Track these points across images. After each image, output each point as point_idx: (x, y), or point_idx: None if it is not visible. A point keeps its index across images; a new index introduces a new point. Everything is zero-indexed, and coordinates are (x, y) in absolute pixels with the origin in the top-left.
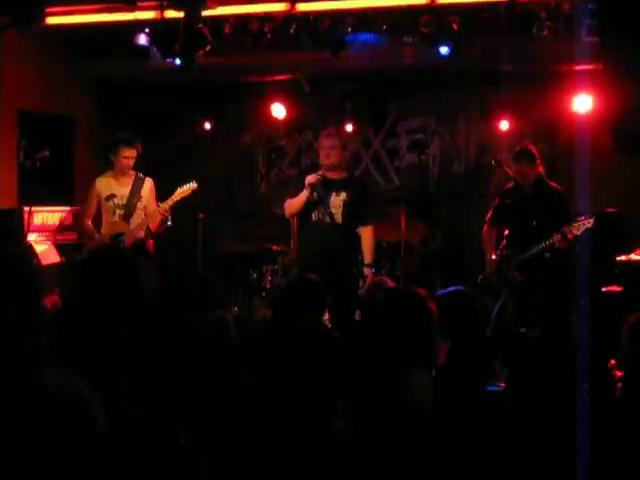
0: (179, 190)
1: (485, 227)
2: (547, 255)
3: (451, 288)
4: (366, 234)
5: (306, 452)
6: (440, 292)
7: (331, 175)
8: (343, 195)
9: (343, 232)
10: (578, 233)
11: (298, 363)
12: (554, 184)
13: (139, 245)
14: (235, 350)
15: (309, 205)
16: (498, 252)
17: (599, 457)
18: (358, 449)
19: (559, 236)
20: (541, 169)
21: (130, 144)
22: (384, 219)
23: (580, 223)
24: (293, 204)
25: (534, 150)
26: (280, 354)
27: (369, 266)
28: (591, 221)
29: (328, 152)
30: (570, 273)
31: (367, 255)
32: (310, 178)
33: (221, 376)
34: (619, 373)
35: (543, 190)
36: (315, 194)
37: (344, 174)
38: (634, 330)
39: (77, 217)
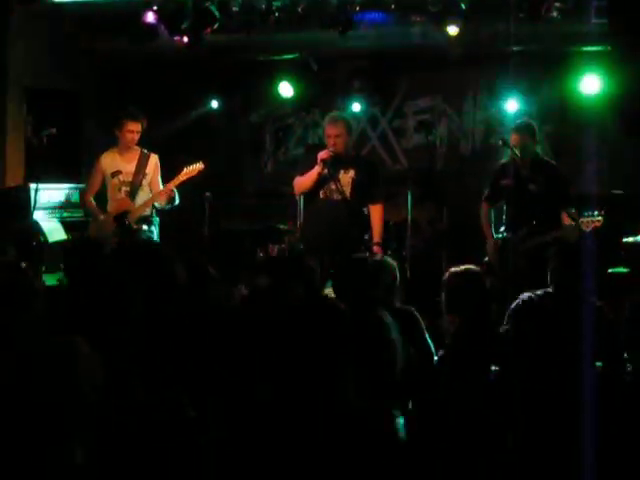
0: (185, 170)
1: (483, 205)
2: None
3: (463, 267)
4: (375, 212)
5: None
6: (452, 270)
7: (340, 154)
8: (352, 172)
9: (352, 209)
10: (587, 230)
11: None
12: (552, 162)
13: (144, 222)
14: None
15: (319, 182)
16: (500, 234)
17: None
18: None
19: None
20: (539, 149)
21: (135, 118)
22: (391, 199)
23: (589, 220)
24: (304, 181)
25: (534, 126)
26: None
27: (378, 244)
28: (600, 220)
29: (334, 141)
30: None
31: (376, 233)
32: (322, 154)
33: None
34: None
35: (542, 169)
36: (326, 170)
37: (353, 153)
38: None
39: (82, 194)
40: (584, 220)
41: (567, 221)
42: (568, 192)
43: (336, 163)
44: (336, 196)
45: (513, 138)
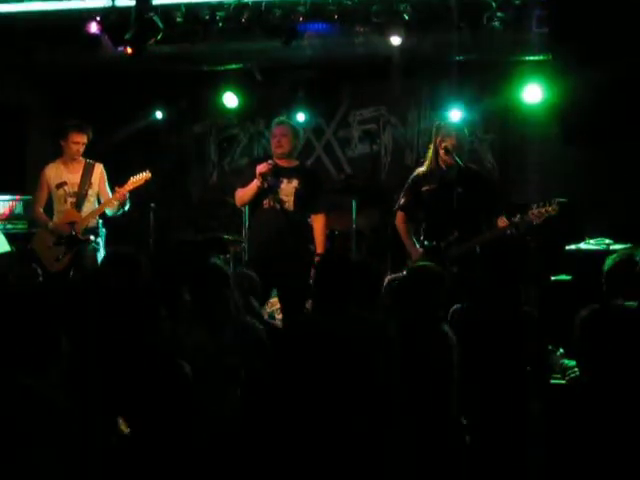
0: (132, 179)
1: (400, 216)
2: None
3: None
4: (317, 223)
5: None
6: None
7: (283, 163)
8: (295, 182)
9: (294, 219)
10: (539, 221)
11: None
12: (475, 167)
13: (91, 233)
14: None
15: (261, 193)
16: (423, 243)
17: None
18: None
19: (511, 225)
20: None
21: (79, 129)
22: (336, 208)
23: (540, 211)
24: (245, 193)
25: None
26: None
27: (319, 255)
28: (555, 208)
29: (279, 139)
30: (518, 263)
31: (318, 244)
32: (261, 167)
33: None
34: (567, 361)
35: (467, 173)
36: (266, 183)
37: (296, 163)
38: (586, 323)
39: (28, 206)
40: (534, 212)
41: (502, 223)
42: (497, 199)
43: (279, 172)
44: (278, 206)
45: (449, 139)
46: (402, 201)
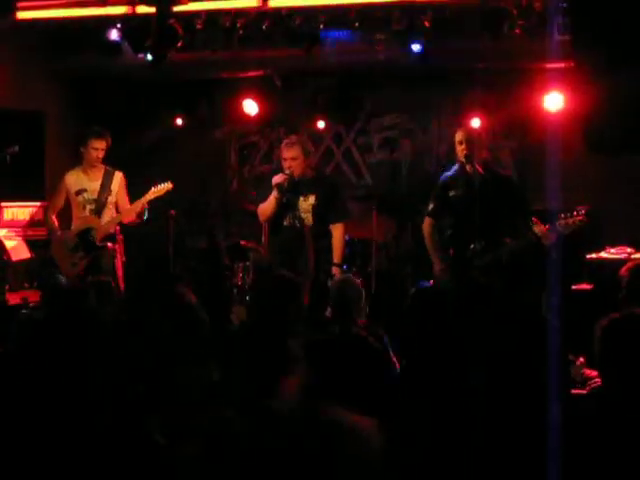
0: (153, 189)
1: (428, 222)
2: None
3: (424, 285)
4: (337, 232)
5: None
6: (419, 286)
7: (298, 177)
8: (311, 199)
9: (314, 235)
10: (567, 232)
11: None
12: (504, 173)
13: (109, 239)
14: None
15: (281, 209)
16: (448, 252)
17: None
18: None
19: (546, 232)
20: (488, 155)
21: (99, 136)
22: (355, 216)
23: (570, 220)
24: (265, 208)
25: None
26: None
27: (338, 265)
28: (585, 219)
29: (290, 164)
30: (536, 272)
31: (337, 254)
32: (277, 178)
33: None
34: (588, 371)
35: (494, 177)
36: (284, 198)
37: (312, 173)
38: (606, 333)
39: (45, 211)
40: (562, 222)
41: (537, 229)
42: (527, 203)
43: (295, 189)
44: (298, 223)
45: (462, 147)
46: (430, 207)
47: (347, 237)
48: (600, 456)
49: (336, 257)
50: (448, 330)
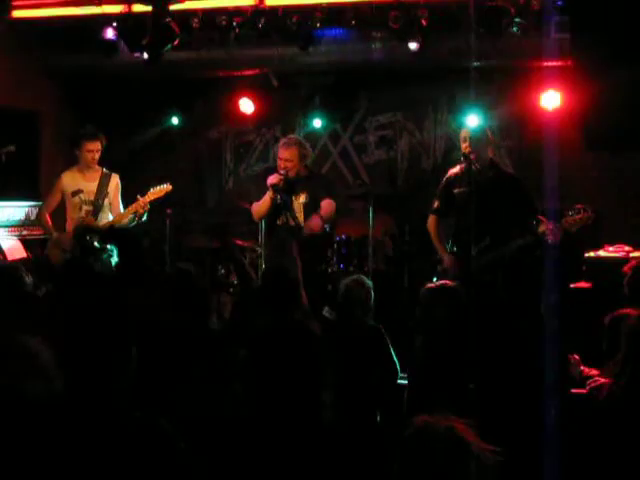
0: (152, 190)
1: (432, 219)
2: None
3: (437, 282)
4: (325, 203)
5: (297, 442)
6: (427, 286)
7: (292, 174)
8: (302, 198)
9: (307, 233)
10: (573, 230)
11: (287, 359)
12: (510, 171)
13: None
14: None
15: (275, 209)
16: (452, 249)
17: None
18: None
19: (552, 229)
20: (493, 153)
21: (92, 137)
22: (352, 215)
23: (576, 218)
24: (260, 207)
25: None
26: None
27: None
28: (591, 216)
29: (285, 165)
30: (536, 271)
31: (315, 222)
32: (272, 178)
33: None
34: (587, 370)
35: (500, 176)
36: (278, 196)
37: (305, 172)
38: (634, 332)
39: (39, 210)
40: (569, 219)
41: (542, 228)
42: (534, 202)
43: (288, 189)
44: (292, 222)
45: (465, 145)
46: (435, 204)
47: (344, 236)
48: (600, 455)
49: (315, 226)
50: (463, 326)
